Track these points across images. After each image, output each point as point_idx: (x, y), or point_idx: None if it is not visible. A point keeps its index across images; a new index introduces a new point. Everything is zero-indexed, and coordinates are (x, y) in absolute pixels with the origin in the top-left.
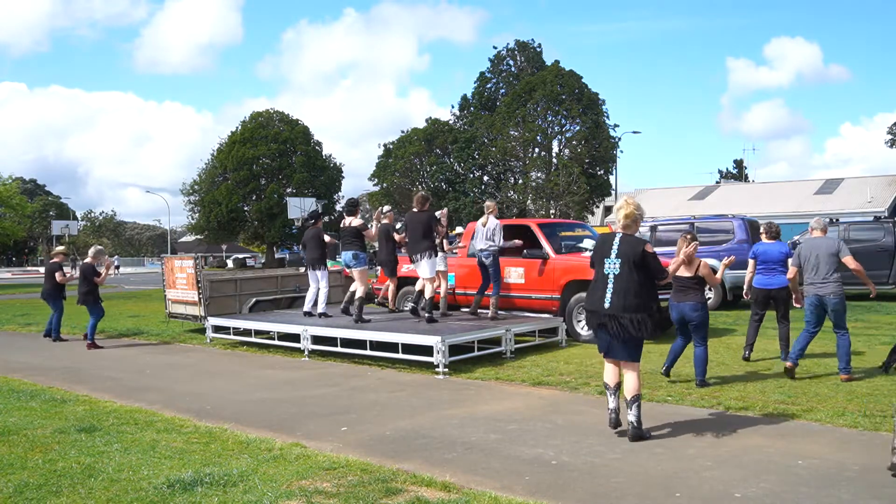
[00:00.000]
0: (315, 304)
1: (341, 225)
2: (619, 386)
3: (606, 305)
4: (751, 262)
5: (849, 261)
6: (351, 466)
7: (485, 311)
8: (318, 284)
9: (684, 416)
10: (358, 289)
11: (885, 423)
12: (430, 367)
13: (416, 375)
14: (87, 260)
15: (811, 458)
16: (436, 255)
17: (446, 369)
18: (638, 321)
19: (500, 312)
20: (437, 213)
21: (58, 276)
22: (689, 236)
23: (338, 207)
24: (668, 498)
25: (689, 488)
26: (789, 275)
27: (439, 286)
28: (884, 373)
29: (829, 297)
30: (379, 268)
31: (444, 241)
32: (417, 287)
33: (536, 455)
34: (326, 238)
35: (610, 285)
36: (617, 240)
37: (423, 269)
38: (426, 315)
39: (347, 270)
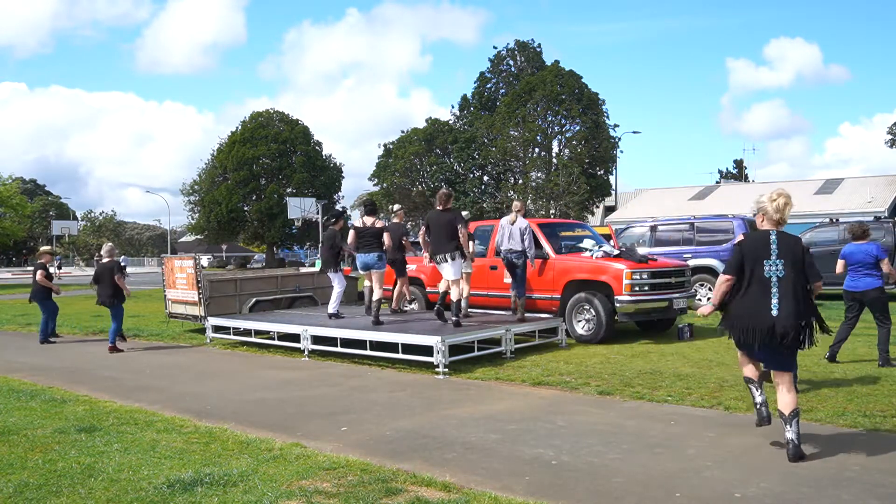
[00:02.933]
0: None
1: (359, 224)
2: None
3: (774, 313)
4: (839, 263)
5: None
6: (351, 466)
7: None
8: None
9: (684, 416)
10: (376, 290)
11: (886, 422)
12: (430, 367)
13: (416, 375)
14: (106, 260)
15: (811, 458)
16: (462, 257)
17: (446, 369)
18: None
19: (497, 313)
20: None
21: (38, 274)
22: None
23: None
24: (668, 498)
25: (689, 488)
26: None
27: (463, 288)
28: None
29: None
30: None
31: (472, 242)
32: (441, 288)
33: (536, 455)
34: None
35: (774, 290)
36: (775, 238)
37: (448, 271)
38: (453, 319)
39: (365, 273)
